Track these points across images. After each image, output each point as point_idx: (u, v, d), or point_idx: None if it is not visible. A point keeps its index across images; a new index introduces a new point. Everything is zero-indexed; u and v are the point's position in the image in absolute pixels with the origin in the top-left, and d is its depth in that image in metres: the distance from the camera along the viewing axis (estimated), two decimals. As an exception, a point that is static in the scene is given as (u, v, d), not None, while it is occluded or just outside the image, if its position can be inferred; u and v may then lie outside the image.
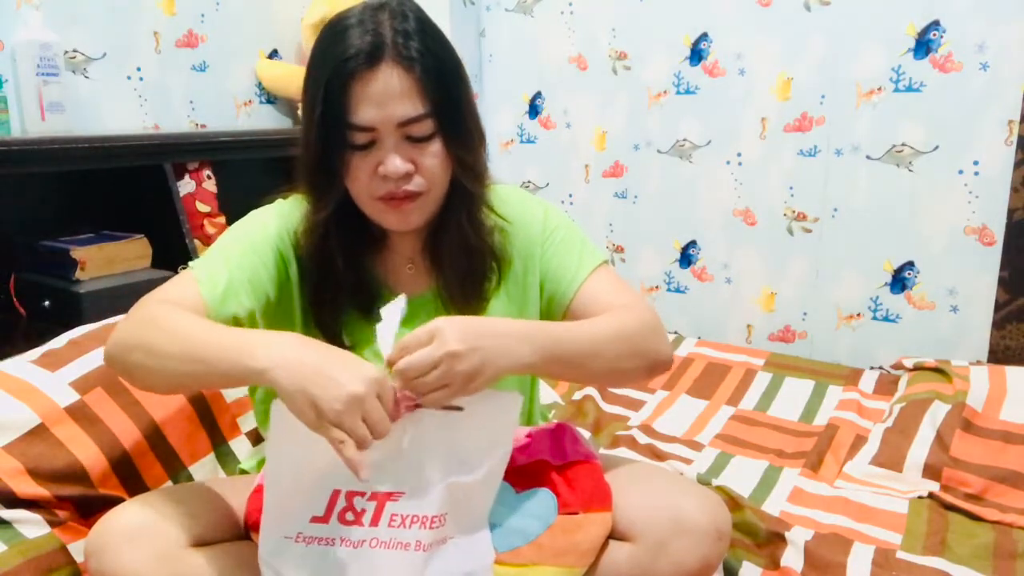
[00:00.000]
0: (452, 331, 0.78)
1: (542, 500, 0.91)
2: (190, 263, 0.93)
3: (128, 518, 0.83)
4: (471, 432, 0.82)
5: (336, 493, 0.79)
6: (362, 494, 0.79)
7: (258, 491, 0.90)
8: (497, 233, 0.99)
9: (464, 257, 0.96)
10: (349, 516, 0.79)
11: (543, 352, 0.84)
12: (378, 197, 0.89)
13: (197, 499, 0.89)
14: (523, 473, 0.93)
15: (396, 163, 0.86)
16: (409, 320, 0.99)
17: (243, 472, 1.15)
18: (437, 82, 0.87)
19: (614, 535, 0.91)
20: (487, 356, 0.79)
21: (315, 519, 0.79)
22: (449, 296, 0.97)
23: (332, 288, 0.95)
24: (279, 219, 0.97)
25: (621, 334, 0.92)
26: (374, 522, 0.78)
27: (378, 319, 0.96)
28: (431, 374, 0.76)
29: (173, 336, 0.80)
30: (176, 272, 1.57)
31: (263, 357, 0.74)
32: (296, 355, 0.74)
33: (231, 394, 1.28)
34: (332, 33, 0.87)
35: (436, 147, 0.88)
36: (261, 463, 1.06)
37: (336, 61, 0.85)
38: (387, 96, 0.84)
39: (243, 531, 0.90)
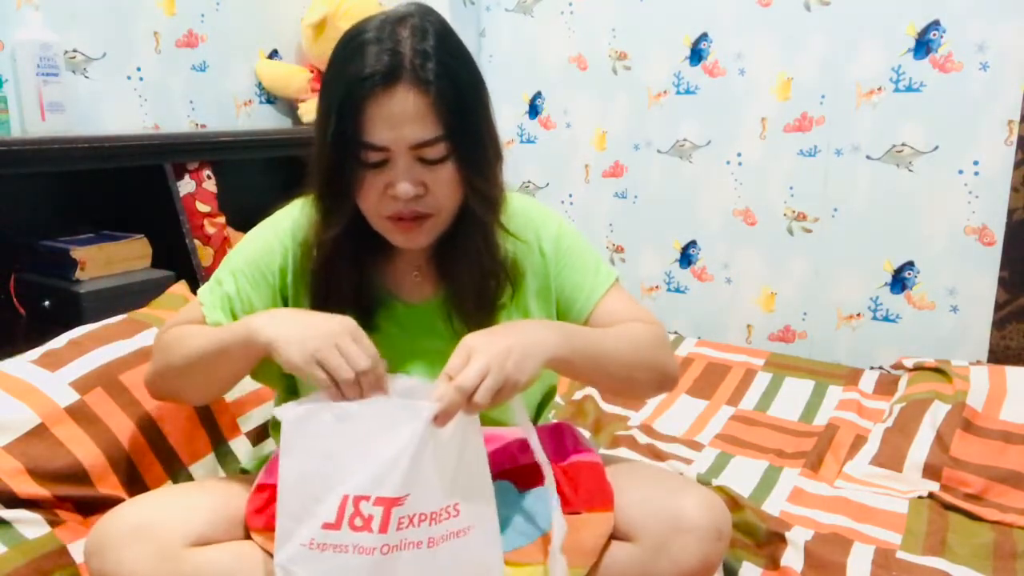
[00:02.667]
0: (482, 339, 0.81)
1: (544, 499, 0.91)
2: (199, 292, 1.00)
3: (128, 517, 0.83)
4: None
5: (345, 498, 0.78)
6: (367, 498, 0.78)
7: (258, 490, 0.90)
8: (510, 251, 0.98)
9: (474, 272, 0.95)
10: (358, 522, 0.78)
11: (568, 343, 0.87)
12: (387, 216, 0.88)
13: (197, 498, 0.89)
14: (525, 473, 0.93)
15: (406, 187, 0.85)
16: (415, 325, 0.99)
17: (244, 472, 1.15)
18: (453, 104, 0.85)
19: (615, 535, 0.90)
20: (525, 347, 0.81)
21: (327, 525, 0.79)
22: (457, 304, 0.97)
23: (336, 295, 0.94)
24: (284, 233, 0.98)
25: (638, 343, 0.95)
26: (383, 528, 0.78)
27: (377, 328, 0.96)
28: (486, 382, 0.77)
29: (188, 350, 0.91)
30: (175, 272, 1.58)
31: (259, 324, 0.85)
32: (286, 314, 0.88)
33: (231, 394, 1.28)
34: (350, 47, 0.85)
35: (448, 170, 0.87)
36: (261, 463, 1.06)
37: (352, 79, 0.83)
38: (401, 118, 0.83)
39: (243, 531, 0.90)
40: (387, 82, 0.82)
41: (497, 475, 0.93)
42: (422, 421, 0.77)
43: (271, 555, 0.85)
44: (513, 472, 0.93)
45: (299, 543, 0.79)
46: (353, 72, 0.83)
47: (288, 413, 0.80)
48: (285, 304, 0.99)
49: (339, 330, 0.81)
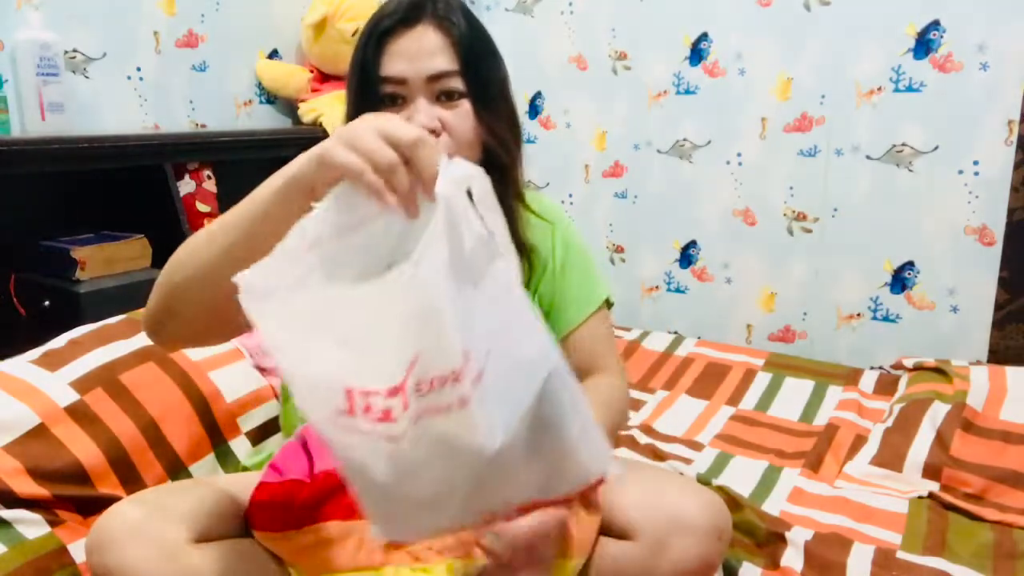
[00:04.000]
0: None
1: None
2: None
3: (130, 514, 0.83)
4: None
5: (350, 392, 0.65)
6: (376, 392, 0.63)
7: (260, 488, 0.89)
8: (528, 228, 1.00)
9: None
10: (374, 415, 0.64)
11: None
12: None
13: (199, 495, 0.88)
14: None
15: (422, 117, 0.87)
16: None
17: (245, 470, 1.15)
18: (472, 47, 0.90)
19: (613, 533, 0.90)
20: None
21: (340, 412, 0.64)
22: None
23: None
24: None
25: (620, 420, 1.02)
26: (405, 407, 0.62)
27: None
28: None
29: (211, 229, 0.74)
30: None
31: (301, 156, 0.68)
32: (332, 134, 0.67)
33: (231, 394, 1.28)
34: (377, 9, 0.92)
35: (465, 109, 0.90)
36: (262, 462, 1.05)
37: (375, 22, 0.89)
38: (420, 51, 0.88)
39: (245, 528, 0.89)
40: (408, 20, 0.88)
41: None
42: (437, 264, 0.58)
43: (273, 555, 0.85)
44: None
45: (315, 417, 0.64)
46: (377, 18, 0.90)
47: (255, 279, 0.62)
48: None
49: (382, 117, 0.64)
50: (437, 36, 0.88)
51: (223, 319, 0.76)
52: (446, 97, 0.90)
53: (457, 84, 0.89)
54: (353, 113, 0.92)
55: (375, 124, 0.63)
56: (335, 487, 0.89)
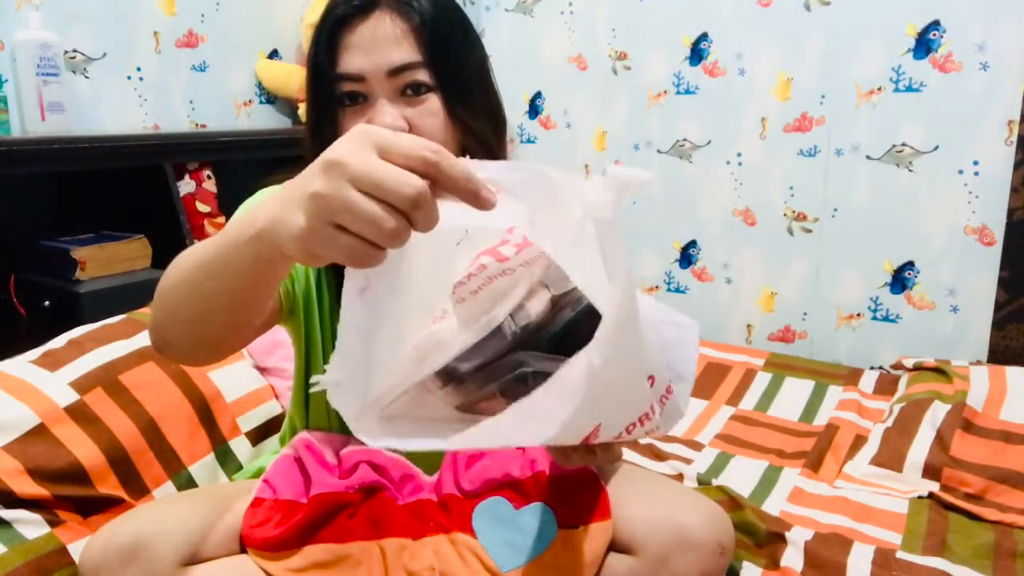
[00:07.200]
0: None
1: (541, 517, 0.89)
2: None
3: (121, 537, 0.79)
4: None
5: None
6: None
7: (254, 504, 0.88)
8: None
9: None
10: None
11: None
12: None
13: (193, 513, 0.85)
14: (520, 489, 0.91)
15: (385, 117, 0.78)
16: None
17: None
18: (437, 33, 0.79)
19: (615, 547, 0.89)
20: None
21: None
22: None
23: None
24: None
25: None
26: None
27: None
28: None
29: (181, 271, 0.66)
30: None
31: (256, 214, 0.55)
32: (279, 190, 0.54)
33: (231, 394, 1.29)
34: None
35: (434, 105, 0.80)
36: (259, 472, 1.04)
37: (328, 10, 0.80)
38: (376, 42, 0.78)
39: (239, 545, 0.87)
40: (364, 7, 0.79)
41: (491, 491, 0.91)
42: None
43: (267, 574, 0.84)
44: (508, 489, 0.92)
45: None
46: (330, 6, 0.81)
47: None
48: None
49: (352, 147, 0.48)
50: (396, 23, 0.78)
51: (221, 342, 0.72)
52: (412, 92, 0.80)
53: (422, 76, 0.79)
54: (313, 118, 0.84)
55: (353, 173, 0.47)
56: (331, 510, 0.88)
